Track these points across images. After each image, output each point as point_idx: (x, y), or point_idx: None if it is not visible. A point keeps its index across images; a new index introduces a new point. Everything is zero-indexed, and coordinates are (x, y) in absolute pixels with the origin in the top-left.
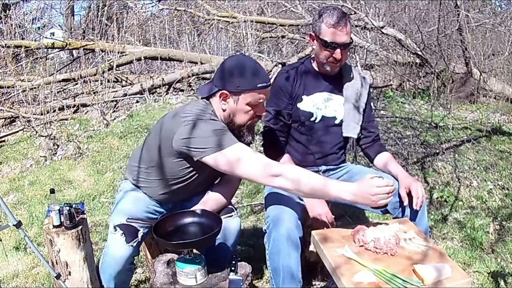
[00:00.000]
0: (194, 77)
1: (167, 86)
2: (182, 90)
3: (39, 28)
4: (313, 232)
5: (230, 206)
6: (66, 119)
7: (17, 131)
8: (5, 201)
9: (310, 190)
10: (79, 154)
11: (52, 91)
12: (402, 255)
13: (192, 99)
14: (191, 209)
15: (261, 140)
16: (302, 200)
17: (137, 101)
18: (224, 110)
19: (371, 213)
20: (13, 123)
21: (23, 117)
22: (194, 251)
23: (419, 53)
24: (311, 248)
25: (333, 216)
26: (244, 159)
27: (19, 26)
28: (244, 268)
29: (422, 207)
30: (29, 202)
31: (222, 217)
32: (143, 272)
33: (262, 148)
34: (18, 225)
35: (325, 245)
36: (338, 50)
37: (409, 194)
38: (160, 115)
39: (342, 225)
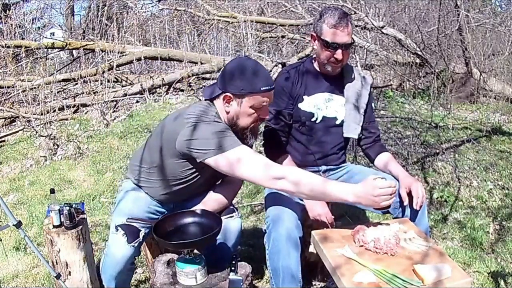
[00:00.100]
0: (194, 77)
1: (167, 86)
2: (182, 90)
3: (39, 28)
4: (313, 232)
5: (231, 207)
6: (66, 119)
7: (17, 131)
8: (5, 201)
9: (312, 192)
10: (79, 154)
11: (52, 91)
12: (402, 255)
13: (192, 99)
14: (191, 209)
15: (261, 140)
16: (302, 200)
17: (137, 101)
18: (227, 113)
19: (371, 213)
20: (13, 123)
21: (23, 117)
22: (194, 251)
23: (419, 53)
24: (311, 248)
25: (333, 217)
26: (246, 162)
27: (19, 26)
28: (244, 268)
29: (422, 207)
30: (29, 202)
31: (223, 217)
32: (143, 272)
33: (262, 148)
34: (18, 225)
35: (325, 245)
36: (339, 51)
37: (409, 194)
38: (160, 115)
39: (342, 225)
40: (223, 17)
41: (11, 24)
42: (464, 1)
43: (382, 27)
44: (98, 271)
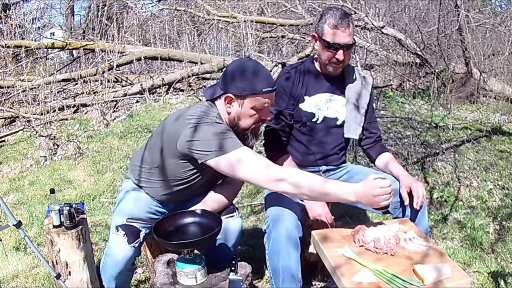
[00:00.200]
0: (194, 77)
1: (167, 86)
2: (182, 90)
3: (39, 28)
4: (313, 232)
5: (231, 207)
6: (66, 119)
7: (17, 131)
8: (5, 201)
9: (312, 193)
10: (79, 154)
11: (52, 91)
12: (402, 255)
13: (192, 99)
14: (191, 208)
15: (261, 140)
16: (302, 200)
17: (137, 101)
18: (229, 113)
19: (371, 213)
20: (13, 123)
21: (23, 117)
22: (194, 251)
23: (419, 53)
24: (311, 248)
25: (333, 217)
26: (246, 163)
27: (19, 26)
28: (244, 268)
29: (423, 207)
30: (29, 202)
31: (223, 217)
32: (143, 272)
33: (263, 148)
34: (18, 225)
35: (325, 245)
36: (340, 51)
37: (410, 194)
38: (160, 115)
39: (342, 225)
40: (223, 17)
41: (11, 24)
42: (464, 1)
43: (382, 27)
44: (98, 271)
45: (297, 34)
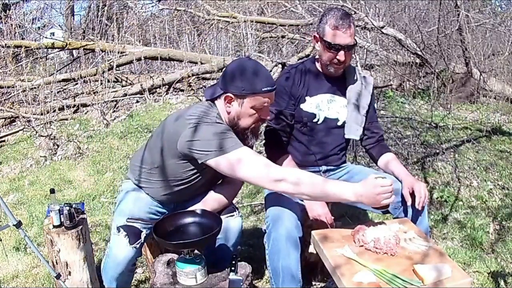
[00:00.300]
0: (194, 77)
1: (167, 86)
2: (182, 90)
3: (39, 28)
4: (313, 232)
5: (231, 206)
6: (66, 119)
7: (17, 131)
8: (5, 201)
9: (312, 193)
10: (79, 154)
11: (52, 91)
12: (402, 255)
13: (192, 99)
14: (191, 208)
15: (261, 140)
16: (302, 200)
17: (137, 101)
18: (228, 113)
19: (371, 213)
20: (13, 123)
21: (23, 117)
22: (195, 251)
23: (419, 53)
24: (311, 248)
25: (333, 217)
26: (246, 163)
27: (19, 26)
28: (244, 268)
29: (424, 207)
30: (29, 202)
31: (223, 216)
32: (143, 272)
33: (263, 148)
34: (18, 225)
35: (325, 245)
36: (341, 52)
37: (412, 194)
38: (160, 115)
39: (342, 225)
40: (223, 17)
41: (11, 24)
42: (464, 1)
43: (382, 27)
44: (98, 271)
45: (297, 34)
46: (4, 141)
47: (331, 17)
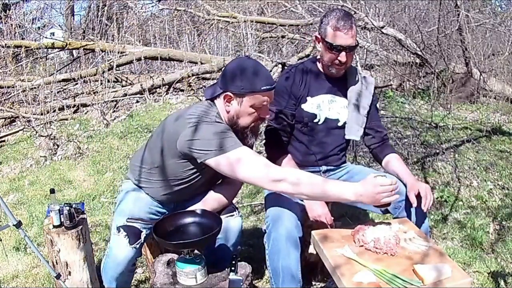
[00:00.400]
0: (194, 77)
1: (167, 86)
2: (182, 90)
3: (39, 28)
4: (313, 232)
5: (231, 206)
6: (66, 119)
7: (17, 131)
8: (5, 201)
9: (311, 193)
10: (79, 154)
11: (52, 91)
12: (402, 255)
13: (192, 99)
14: (191, 208)
15: (261, 140)
16: (302, 200)
17: (137, 101)
18: (228, 112)
19: (372, 213)
20: (13, 123)
21: (23, 117)
22: (194, 251)
23: (419, 53)
24: (311, 248)
25: (333, 218)
26: (246, 163)
27: (19, 26)
28: (244, 268)
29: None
30: (29, 202)
31: (223, 216)
32: (143, 272)
33: (263, 147)
34: (18, 225)
35: (325, 245)
36: (343, 53)
37: (417, 197)
38: (160, 115)
39: (342, 225)
40: (223, 17)
41: (11, 24)
42: (464, 1)
43: (382, 27)
44: (98, 271)
45: (297, 34)
46: (4, 141)
47: (333, 18)
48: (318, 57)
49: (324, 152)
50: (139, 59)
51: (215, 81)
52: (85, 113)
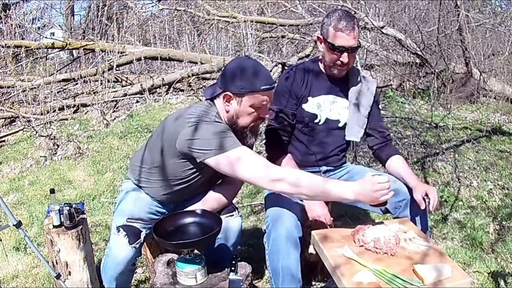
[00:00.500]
0: (194, 77)
1: (167, 86)
2: (182, 90)
3: (39, 28)
4: (313, 232)
5: (231, 206)
6: (66, 119)
7: (17, 131)
8: (5, 201)
9: (311, 193)
10: (79, 154)
11: (52, 91)
12: (402, 255)
13: (192, 99)
14: (191, 208)
15: (261, 140)
16: (301, 200)
17: (137, 101)
18: (227, 112)
19: (372, 213)
20: (13, 123)
21: (23, 117)
22: (194, 251)
23: (419, 53)
24: (311, 248)
25: (332, 218)
26: (246, 162)
27: (19, 26)
28: (244, 268)
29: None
30: (29, 202)
31: (223, 216)
32: (143, 272)
33: (263, 147)
34: (18, 225)
35: (325, 245)
36: (345, 54)
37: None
38: (160, 115)
39: (342, 225)
40: (223, 17)
41: (11, 24)
42: (464, 1)
43: (382, 27)
44: (98, 271)
45: (297, 34)
46: (4, 141)
47: (335, 19)
48: (321, 57)
49: (325, 153)
50: (139, 59)
51: (215, 81)
52: (85, 113)
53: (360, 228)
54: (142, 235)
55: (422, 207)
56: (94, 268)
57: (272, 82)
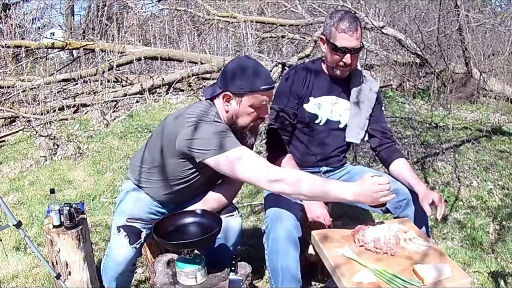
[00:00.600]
0: (194, 77)
1: (167, 86)
2: (182, 90)
3: (39, 28)
4: (313, 232)
5: (231, 206)
6: (66, 119)
7: (17, 131)
8: (5, 201)
9: (310, 193)
10: (79, 154)
11: (52, 91)
12: (402, 255)
13: (192, 99)
14: (191, 208)
15: (261, 140)
16: (301, 200)
17: (137, 101)
18: (227, 112)
19: (372, 213)
20: (13, 123)
21: (23, 117)
22: (194, 251)
23: (419, 53)
24: (311, 248)
25: (331, 219)
26: (245, 162)
27: (19, 26)
28: (244, 268)
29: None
30: (29, 202)
31: (223, 216)
32: (143, 272)
33: (263, 147)
34: (18, 225)
35: (325, 245)
36: (348, 55)
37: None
38: (160, 115)
39: (342, 225)
40: (223, 17)
41: (11, 24)
42: (464, 1)
43: (382, 27)
44: (98, 271)
45: (297, 34)
46: (4, 141)
47: (338, 20)
48: (324, 58)
49: (325, 153)
50: (139, 59)
51: (215, 81)
52: (85, 113)
53: (360, 228)
54: (143, 235)
55: (429, 214)
56: (94, 268)
57: (272, 82)
